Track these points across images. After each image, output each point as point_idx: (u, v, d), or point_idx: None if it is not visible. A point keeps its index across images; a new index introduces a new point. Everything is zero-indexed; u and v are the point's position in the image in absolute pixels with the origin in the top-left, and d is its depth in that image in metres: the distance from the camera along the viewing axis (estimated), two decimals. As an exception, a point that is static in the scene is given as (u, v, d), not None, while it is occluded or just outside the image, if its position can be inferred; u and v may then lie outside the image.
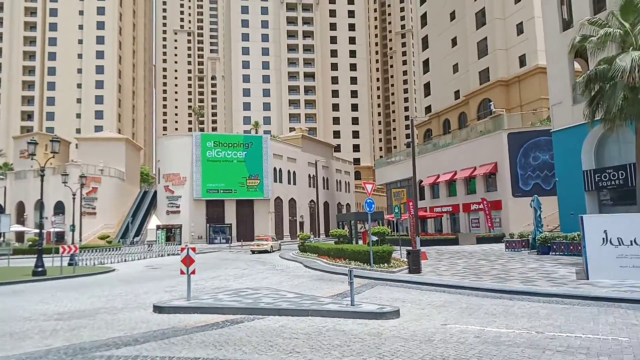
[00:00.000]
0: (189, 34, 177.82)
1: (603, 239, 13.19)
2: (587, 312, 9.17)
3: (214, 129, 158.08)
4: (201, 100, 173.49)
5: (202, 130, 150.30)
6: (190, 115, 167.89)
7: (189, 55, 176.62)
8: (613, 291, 11.02)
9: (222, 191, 57.54)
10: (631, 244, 12.82)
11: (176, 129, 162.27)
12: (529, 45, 47.45)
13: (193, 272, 11.46)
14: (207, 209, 57.66)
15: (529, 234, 27.26)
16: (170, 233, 53.37)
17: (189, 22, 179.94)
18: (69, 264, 22.74)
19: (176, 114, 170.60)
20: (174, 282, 16.86)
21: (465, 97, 55.24)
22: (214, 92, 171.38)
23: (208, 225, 56.75)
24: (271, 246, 36.31)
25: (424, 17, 65.91)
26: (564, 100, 26.80)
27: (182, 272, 11.41)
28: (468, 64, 55.17)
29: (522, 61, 48.63)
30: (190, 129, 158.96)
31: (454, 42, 58.51)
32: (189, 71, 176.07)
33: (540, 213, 25.99)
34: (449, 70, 59.43)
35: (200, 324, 8.94)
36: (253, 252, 35.75)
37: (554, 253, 22.80)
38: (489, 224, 38.16)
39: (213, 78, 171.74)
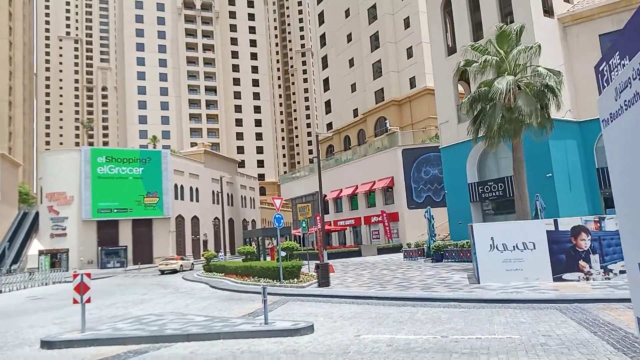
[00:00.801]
0: (76, 41, 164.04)
1: (490, 245, 14.59)
2: (483, 314, 10.03)
3: (105, 144, 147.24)
4: (90, 113, 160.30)
5: (91, 144, 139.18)
6: (77, 128, 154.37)
7: (76, 64, 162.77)
8: (501, 293, 12.21)
9: (116, 210, 53.43)
10: (513, 249, 14.35)
11: (61, 144, 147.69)
12: (418, 68, 51.42)
13: (88, 301, 10.46)
14: (99, 230, 53.10)
15: (424, 243, 29.15)
16: (56, 258, 48.16)
17: (76, 28, 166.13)
18: None
19: (61, 127, 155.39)
20: (63, 312, 15.19)
21: (363, 115, 58.05)
22: (104, 104, 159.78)
23: (100, 248, 52.21)
24: (181, 265, 35.41)
25: (323, 37, 68.36)
26: (450, 119, 29.42)
27: (75, 301, 10.34)
28: (365, 84, 58.19)
29: (413, 83, 52.52)
30: (77, 144, 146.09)
31: (352, 62, 61.42)
32: (76, 81, 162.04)
33: (433, 223, 28.00)
34: (348, 89, 62.14)
35: (99, 358, 8.15)
36: (162, 272, 34.93)
37: (446, 260, 24.60)
38: (388, 235, 40.21)
39: (104, 89, 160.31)
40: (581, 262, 13.70)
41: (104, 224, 53.15)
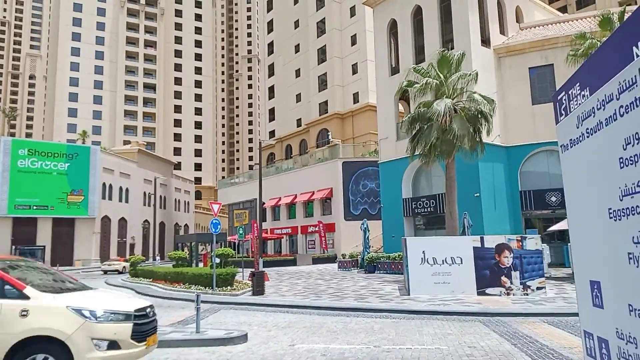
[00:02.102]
0: (2, 24, 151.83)
1: (422, 258, 15.15)
2: (413, 324, 10.36)
3: (29, 135, 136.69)
4: (14, 102, 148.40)
5: (12, 135, 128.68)
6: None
7: (1, 48, 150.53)
8: (430, 305, 12.69)
9: (35, 207, 49.58)
10: (442, 263, 14.99)
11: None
12: (361, 85, 52.77)
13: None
14: (15, 228, 48.98)
15: (359, 254, 29.70)
16: (-40, 257, 43.72)
17: (4, 10, 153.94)
18: None
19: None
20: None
21: (306, 125, 58.49)
22: (31, 94, 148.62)
23: (14, 247, 48.08)
24: (124, 267, 36.18)
25: (270, 45, 68.35)
26: (390, 136, 30.42)
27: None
28: (310, 95, 58.76)
29: (356, 98, 53.79)
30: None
31: (298, 73, 61.86)
32: (0, 66, 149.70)
33: (368, 235, 28.62)
34: (293, 99, 62.41)
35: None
36: (105, 272, 37.10)
37: (379, 272, 25.19)
38: (324, 246, 40.55)
39: (31, 77, 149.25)
40: (503, 278, 14.57)
41: (21, 221, 49.13)
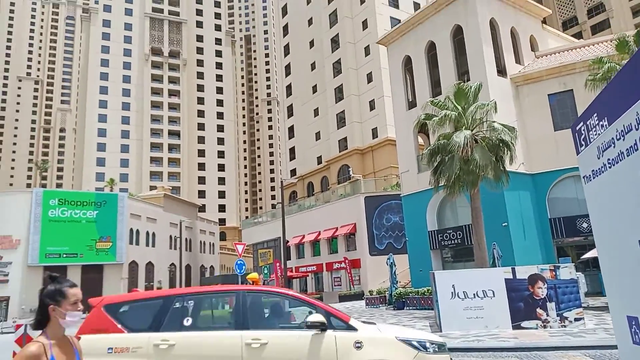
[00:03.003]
0: (36, 82, 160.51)
1: (452, 292, 14.72)
2: (445, 361, 9.97)
3: (59, 185, 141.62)
4: (45, 154, 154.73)
5: (44, 186, 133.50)
6: (30, 169, 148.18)
7: (35, 105, 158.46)
8: (463, 341, 12.22)
9: (65, 255, 50.68)
10: (474, 297, 14.53)
11: (11, 184, 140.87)
12: (379, 120, 53.27)
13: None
14: (45, 276, 49.97)
15: (386, 290, 29.07)
16: (-6, 307, 44.60)
17: (38, 69, 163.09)
18: None
19: (12, 168, 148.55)
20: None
21: (326, 162, 58.96)
22: (61, 146, 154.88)
23: (45, 296, 48.84)
24: None
25: (289, 87, 70.18)
26: (411, 168, 30.33)
27: (15, 355, 9.54)
28: (329, 133, 59.52)
29: (375, 133, 54.18)
30: (29, 185, 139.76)
31: (316, 112, 63.01)
32: (33, 122, 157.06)
33: (395, 270, 28.10)
34: (312, 137, 63.30)
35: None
36: None
37: (408, 308, 24.53)
38: (351, 282, 39.90)
39: (62, 130, 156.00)
40: (538, 310, 13.99)
41: (51, 269, 49.96)
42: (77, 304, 2.91)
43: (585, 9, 74.75)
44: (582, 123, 3.86)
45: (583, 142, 3.87)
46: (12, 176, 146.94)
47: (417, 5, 56.66)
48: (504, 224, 23.90)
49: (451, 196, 20.90)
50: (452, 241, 27.59)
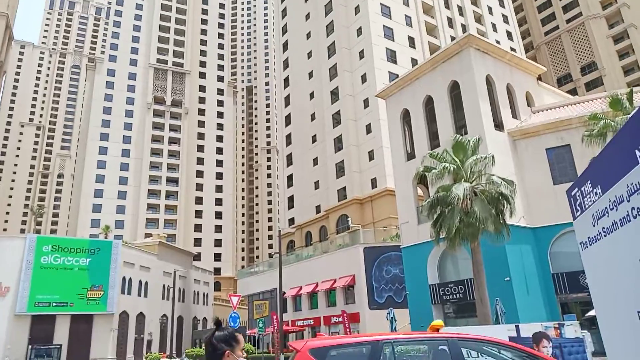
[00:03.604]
0: (38, 128, 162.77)
1: (455, 351, 14.13)
2: None
3: (54, 231, 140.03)
4: (42, 199, 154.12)
5: (38, 232, 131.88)
6: (26, 214, 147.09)
7: (35, 150, 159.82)
8: (469, 405, 11.58)
9: (54, 304, 49.06)
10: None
11: (5, 229, 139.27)
12: (379, 170, 53.62)
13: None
14: (33, 326, 48.10)
15: (387, 347, 27.96)
16: (-25, 359, 42.72)
17: (41, 115, 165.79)
18: None
19: (7, 213, 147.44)
20: None
21: (325, 211, 58.72)
22: (58, 191, 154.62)
23: (30, 347, 46.90)
24: None
25: (288, 137, 71.17)
26: (410, 220, 30.13)
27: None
28: (328, 182, 59.73)
29: (374, 183, 54.38)
30: (23, 230, 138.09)
31: (316, 161, 63.54)
32: (32, 167, 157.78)
33: (395, 326, 27.24)
34: (311, 187, 63.44)
35: None
36: None
37: (410, 366, 23.50)
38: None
39: (60, 176, 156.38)
40: (546, 372, 13.38)
41: (40, 319, 48.42)
42: (243, 349, 3.11)
43: (578, 67, 77.55)
44: (577, 189, 3.84)
45: (579, 208, 3.84)
46: (6, 221, 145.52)
47: (414, 61, 58.59)
48: (506, 279, 23.43)
49: (452, 249, 20.65)
50: (454, 295, 26.94)
